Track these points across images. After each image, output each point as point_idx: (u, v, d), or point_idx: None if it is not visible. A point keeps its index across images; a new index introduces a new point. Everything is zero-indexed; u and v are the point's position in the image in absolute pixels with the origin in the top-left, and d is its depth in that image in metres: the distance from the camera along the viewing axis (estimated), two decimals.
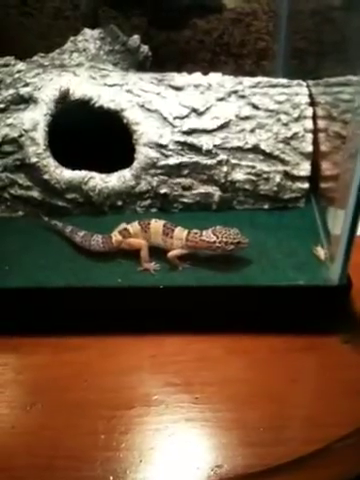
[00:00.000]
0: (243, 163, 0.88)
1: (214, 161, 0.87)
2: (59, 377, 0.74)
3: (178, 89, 0.90)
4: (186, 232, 0.80)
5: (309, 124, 0.88)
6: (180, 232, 0.80)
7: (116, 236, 0.82)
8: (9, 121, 0.88)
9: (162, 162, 0.88)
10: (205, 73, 0.93)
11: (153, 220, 0.82)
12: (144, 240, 0.81)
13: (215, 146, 0.87)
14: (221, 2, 1.17)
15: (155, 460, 0.64)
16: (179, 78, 0.91)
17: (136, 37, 1.00)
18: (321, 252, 0.78)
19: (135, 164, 0.89)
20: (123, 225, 0.84)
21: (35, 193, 0.90)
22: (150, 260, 0.80)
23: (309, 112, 0.88)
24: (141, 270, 0.80)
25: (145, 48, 1.02)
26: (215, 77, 0.91)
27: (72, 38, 0.99)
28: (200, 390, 0.71)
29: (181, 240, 0.79)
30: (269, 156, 0.88)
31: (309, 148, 0.87)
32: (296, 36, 1.10)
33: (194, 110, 0.88)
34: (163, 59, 1.19)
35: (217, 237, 0.78)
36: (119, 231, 0.82)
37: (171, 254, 0.80)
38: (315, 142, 0.88)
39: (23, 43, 1.20)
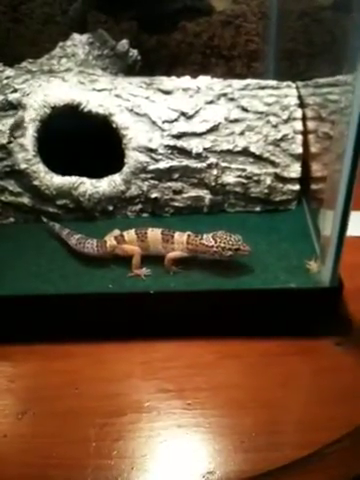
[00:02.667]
0: (233, 166, 0.88)
1: (204, 164, 0.87)
2: (51, 385, 0.73)
3: (167, 93, 0.90)
4: (186, 236, 0.79)
5: (299, 125, 0.87)
6: (180, 236, 0.79)
7: (111, 241, 0.81)
8: None
9: (152, 166, 0.87)
10: (196, 76, 0.93)
11: (149, 229, 0.81)
12: (141, 249, 0.80)
13: (205, 149, 0.87)
14: (211, 4, 1.17)
15: (147, 467, 0.63)
16: (168, 82, 0.91)
17: (125, 41, 1.00)
18: (314, 266, 0.77)
19: (125, 169, 0.88)
20: (116, 231, 0.84)
21: (25, 199, 0.90)
22: (141, 266, 0.80)
23: (298, 113, 0.88)
24: (131, 276, 0.79)
25: (134, 52, 1.02)
26: (204, 80, 0.91)
27: (61, 43, 0.99)
28: (192, 396, 0.70)
29: (182, 244, 0.79)
30: (259, 158, 0.87)
31: (299, 150, 0.87)
32: (286, 37, 1.10)
33: (183, 114, 0.87)
34: (154, 62, 1.19)
35: (216, 242, 0.77)
36: (114, 237, 0.82)
37: (170, 255, 0.79)
38: (305, 143, 0.87)
39: (13, 49, 1.20)
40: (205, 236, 0.79)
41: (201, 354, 0.75)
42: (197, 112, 0.88)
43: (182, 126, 0.87)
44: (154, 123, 0.87)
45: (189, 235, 0.79)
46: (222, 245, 0.77)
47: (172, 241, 0.79)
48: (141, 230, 0.81)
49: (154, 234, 0.80)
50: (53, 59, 0.98)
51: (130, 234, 0.81)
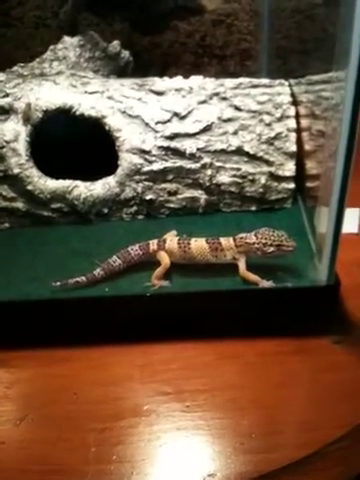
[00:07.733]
0: (227, 165, 0.87)
1: (198, 165, 0.87)
2: (48, 390, 0.73)
3: (159, 94, 0.89)
4: (232, 239, 0.77)
5: (292, 123, 0.87)
6: (227, 241, 0.77)
7: (153, 245, 0.80)
8: None
9: (146, 168, 0.87)
10: (189, 76, 0.92)
11: (192, 239, 0.78)
12: (184, 260, 0.78)
13: (198, 150, 0.86)
14: (202, 4, 1.16)
15: (147, 471, 0.63)
16: (160, 82, 0.91)
17: (116, 43, 0.99)
18: None
19: (119, 171, 0.88)
20: (173, 232, 0.83)
21: (20, 204, 0.90)
22: (163, 278, 0.78)
23: (292, 111, 0.87)
24: (148, 285, 0.77)
25: (126, 53, 1.01)
26: (196, 80, 0.91)
27: (52, 47, 0.99)
28: (191, 398, 0.70)
29: (232, 249, 0.77)
30: (253, 157, 0.87)
31: (293, 148, 0.87)
32: (278, 35, 1.09)
33: (176, 114, 0.87)
34: (147, 63, 1.19)
35: (257, 238, 0.75)
36: (157, 241, 0.80)
37: (242, 271, 0.76)
38: (299, 141, 0.87)
39: (4, 53, 1.19)
40: (248, 235, 0.77)
41: (199, 355, 0.75)
42: (190, 112, 0.87)
43: (175, 127, 0.87)
44: (147, 124, 0.87)
45: (234, 238, 0.77)
46: (263, 241, 0.75)
47: (221, 248, 0.77)
48: (183, 240, 0.78)
49: (199, 244, 0.77)
50: (44, 62, 0.97)
51: (172, 243, 0.79)
